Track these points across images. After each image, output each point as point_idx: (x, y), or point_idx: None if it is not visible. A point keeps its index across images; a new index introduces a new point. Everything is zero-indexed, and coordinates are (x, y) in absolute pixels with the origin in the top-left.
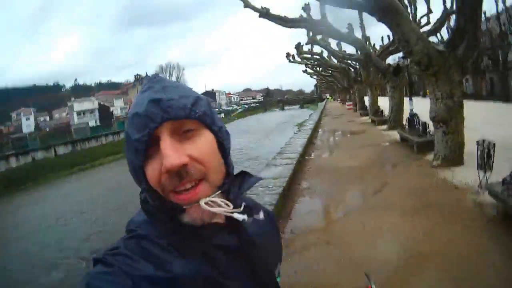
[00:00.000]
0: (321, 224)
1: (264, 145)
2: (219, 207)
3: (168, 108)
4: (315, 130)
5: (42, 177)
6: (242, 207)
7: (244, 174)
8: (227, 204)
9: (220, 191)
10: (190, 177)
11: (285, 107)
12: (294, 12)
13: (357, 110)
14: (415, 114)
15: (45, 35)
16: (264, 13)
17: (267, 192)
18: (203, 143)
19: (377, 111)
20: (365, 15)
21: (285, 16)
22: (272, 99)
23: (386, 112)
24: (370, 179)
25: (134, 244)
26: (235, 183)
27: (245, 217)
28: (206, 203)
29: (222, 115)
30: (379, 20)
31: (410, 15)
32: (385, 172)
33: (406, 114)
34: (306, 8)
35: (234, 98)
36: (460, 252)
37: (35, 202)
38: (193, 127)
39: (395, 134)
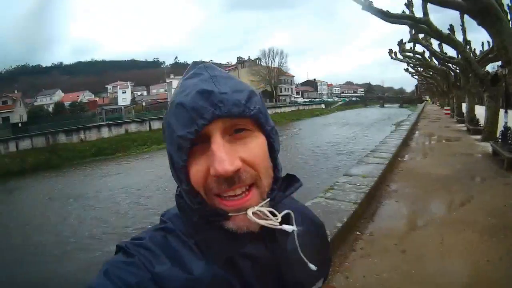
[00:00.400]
0: (401, 231)
1: (360, 141)
2: (265, 217)
3: (220, 103)
4: (411, 132)
5: (133, 149)
6: (279, 218)
7: (290, 177)
8: (273, 214)
9: (268, 199)
10: (242, 183)
11: (385, 105)
12: (397, 7)
13: (454, 116)
14: (509, 128)
15: (151, 13)
16: (367, 6)
17: (354, 190)
18: (256, 145)
19: (473, 120)
20: (467, 19)
21: (387, 11)
22: (373, 95)
23: (482, 122)
24: (457, 191)
25: (161, 237)
26: (280, 187)
27: (294, 227)
28: (253, 213)
29: (323, 105)
30: (479, 24)
31: (510, 22)
32: (472, 185)
33: (500, 126)
34: (408, 4)
35: (335, 89)
36: None
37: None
38: (245, 126)
39: (487, 146)
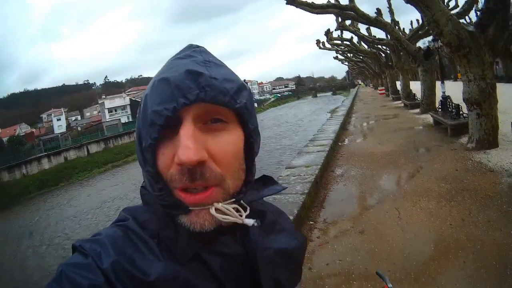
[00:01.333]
0: (355, 212)
1: (297, 133)
2: (229, 215)
3: (208, 87)
4: (348, 116)
5: (75, 176)
6: (247, 212)
7: (267, 179)
8: (238, 211)
9: (233, 199)
10: (204, 181)
11: (318, 95)
12: None
13: (389, 95)
14: (448, 97)
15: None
16: (291, 0)
17: (299, 181)
18: (229, 141)
19: (409, 95)
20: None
21: (312, 2)
22: (304, 87)
23: (419, 96)
24: (404, 164)
25: (120, 234)
26: (254, 187)
27: (254, 221)
28: (217, 209)
29: (255, 104)
30: (407, 2)
31: None
32: (419, 156)
33: (438, 98)
34: None
35: (266, 87)
36: (497, 239)
37: (68, 200)
38: (224, 118)
39: (428, 118)
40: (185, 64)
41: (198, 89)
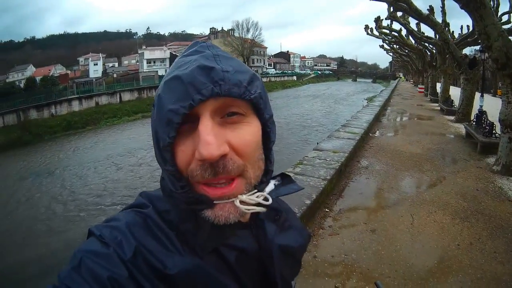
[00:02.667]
0: (370, 209)
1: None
2: (255, 206)
3: (221, 81)
4: (383, 108)
5: (104, 121)
6: (270, 201)
7: (284, 176)
8: (264, 198)
9: (256, 190)
10: (227, 174)
11: (358, 79)
12: None
13: (427, 95)
14: (484, 112)
15: None
16: None
17: (324, 165)
18: (249, 132)
19: (447, 100)
20: (448, 2)
21: None
22: (346, 69)
23: (456, 103)
24: (429, 171)
25: (140, 222)
26: (268, 182)
27: (263, 209)
28: (241, 202)
29: (295, 77)
30: (462, 7)
31: (492, 9)
32: (444, 166)
33: (474, 110)
34: None
35: (308, 62)
36: (499, 273)
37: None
38: (241, 110)
39: (461, 128)
40: (195, 60)
41: (212, 83)
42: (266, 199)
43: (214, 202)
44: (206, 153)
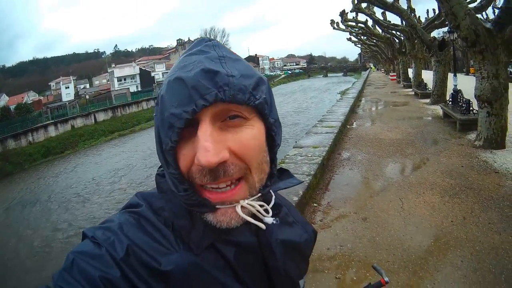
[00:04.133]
0: (359, 198)
1: (306, 111)
2: (254, 211)
3: (226, 86)
4: (357, 99)
5: (81, 144)
6: (270, 205)
7: (283, 171)
8: (264, 209)
9: (259, 194)
10: (228, 177)
11: (329, 74)
12: None
13: (400, 82)
14: (459, 91)
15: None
16: None
17: (306, 162)
18: (251, 136)
19: (421, 84)
20: None
21: None
22: (316, 66)
23: (430, 86)
24: (411, 154)
25: (133, 222)
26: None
27: (273, 219)
28: (242, 207)
29: None
30: None
31: None
32: (426, 148)
33: (449, 90)
34: None
35: (277, 63)
36: (496, 242)
37: (72, 168)
38: (244, 114)
39: (437, 109)
40: (200, 62)
41: (216, 89)
42: (267, 210)
43: (216, 206)
44: (204, 160)
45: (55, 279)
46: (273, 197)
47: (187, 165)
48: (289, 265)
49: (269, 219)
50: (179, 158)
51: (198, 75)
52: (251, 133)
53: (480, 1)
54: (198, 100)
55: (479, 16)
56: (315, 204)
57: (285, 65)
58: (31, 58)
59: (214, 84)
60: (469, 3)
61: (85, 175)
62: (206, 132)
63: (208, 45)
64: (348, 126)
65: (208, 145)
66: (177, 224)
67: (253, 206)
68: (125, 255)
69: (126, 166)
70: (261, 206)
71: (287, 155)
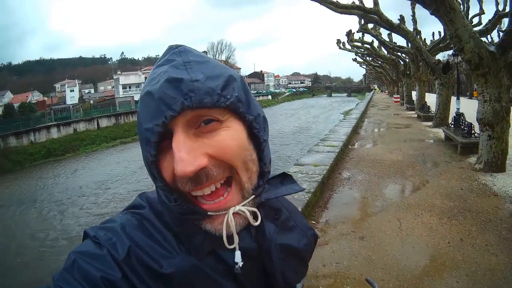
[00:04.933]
0: (357, 217)
1: (309, 130)
2: (246, 217)
3: (191, 92)
4: (360, 120)
5: (83, 148)
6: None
7: (285, 176)
8: (254, 214)
9: (252, 196)
10: (212, 180)
11: (333, 94)
12: None
13: (403, 104)
14: (462, 114)
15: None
16: None
17: (306, 179)
18: (228, 137)
19: (424, 107)
20: (419, 11)
21: (337, 1)
22: (320, 85)
23: (433, 109)
24: (411, 176)
25: (135, 223)
26: (272, 184)
27: (258, 222)
28: (235, 213)
29: (269, 96)
30: (432, 13)
31: (462, 13)
32: (426, 170)
33: (452, 113)
34: None
35: (282, 80)
36: (493, 264)
37: (71, 172)
38: (218, 117)
39: (439, 132)
40: (165, 72)
41: (181, 97)
42: (255, 216)
43: (209, 213)
44: (180, 170)
45: (56, 279)
46: (259, 216)
47: (171, 175)
48: (287, 270)
49: (255, 221)
50: (163, 170)
51: (163, 86)
52: (228, 135)
53: (485, 24)
54: (167, 111)
55: (483, 39)
56: (313, 222)
57: (289, 83)
58: (37, 58)
59: (179, 93)
60: (474, 26)
61: (75, 182)
62: (179, 143)
63: (175, 53)
64: (350, 146)
65: (182, 155)
66: (177, 230)
67: (244, 212)
68: (127, 256)
69: (116, 176)
70: (252, 212)
71: (288, 171)
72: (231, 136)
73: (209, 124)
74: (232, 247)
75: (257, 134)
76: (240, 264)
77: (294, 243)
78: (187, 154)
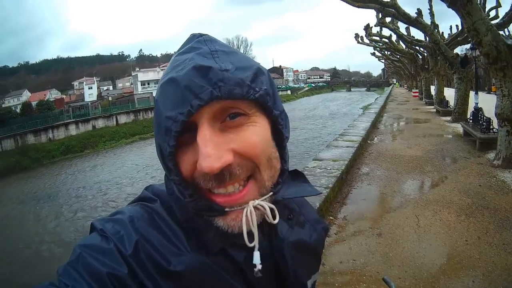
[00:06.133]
0: (375, 214)
1: (328, 126)
2: (264, 213)
3: (220, 82)
4: (379, 115)
5: (101, 144)
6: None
7: (297, 174)
8: (272, 210)
9: (271, 193)
10: (235, 179)
11: (352, 89)
12: None
13: (422, 98)
14: (480, 109)
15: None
16: None
17: (325, 174)
18: (254, 133)
19: (442, 101)
20: (436, 7)
21: None
22: (339, 80)
23: (451, 103)
24: (430, 172)
25: (146, 216)
26: (285, 181)
27: (276, 220)
28: (254, 207)
29: (289, 91)
30: (449, 6)
31: (479, 5)
32: (445, 166)
33: (470, 108)
34: None
35: (301, 75)
36: (509, 264)
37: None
38: (245, 111)
39: (458, 127)
40: (191, 59)
41: (210, 86)
42: (274, 214)
43: (226, 210)
44: (206, 167)
45: (60, 274)
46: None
47: (190, 170)
48: (299, 268)
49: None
50: (180, 164)
51: (189, 73)
52: (255, 131)
53: (502, 18)
54: (193, 100)
55: (501, 33)
56: (331, 217)
57: (308, 78)
58: (55, 57)
59: (208, 81)
60: (492, 19)
61: (75, 183)
62: (205, 137)
63: (200, 41)
64: (368, 141)
65: (209, 150)
66: (187, 227)
67: (263, 207)
68: (134, 251)
69: (122, 176)
70: (270, 208)
71: (306, 167)
72: (258, 132)
73: (236, 119)
74: (252, 245)
75: (281, 130)
76: (259, 266)
77: (306, 239)
78: (213, 150)
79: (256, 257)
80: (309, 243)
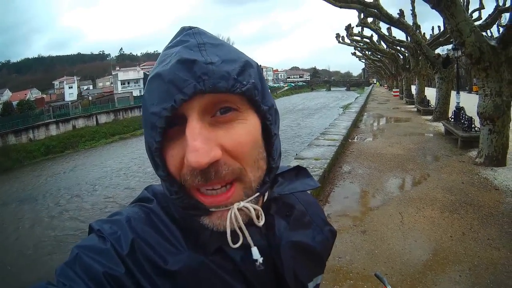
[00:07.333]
0: (358, 211)
1: (307, 125)
2: (248, 214)
3: (204, 75)
4: (360, 114)
5: (81, 145)
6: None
7: (300, 170)
8: (258, 212)
9: (257, 194)
10: (220, 179)
11: (332, 88)
12: None
13: (403, 98)
14: (462, 108)
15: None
16: None
17: None
18: (245, 131)
19: (423, 101)
20: (419, 7)
21: None
22: (319, 79)
23: (432, 103)
24: (412, 170)
25: (143, 216)
26: (286, 178)
27: (261, 223)
28: (239, 209)
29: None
30: (433, 7)
31: (463, 7)
32: (427, 164)
33: (451, 107)
34: None
35: (281, 75)
36: (495, 258)
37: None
38: (234, 105)
39: (439, 126)
40: (177, 53)
41: (194, 79)
42: (258, 215)
43: (210, 210)
44: (194, 161)
45: (57, 274)
46: (267, 191)
47: (177, 166)
48: (299, 269)
49: (260, 222)
50: (168, 159)
51: (174, 67)
52: (245, 128)
53: (485, 19)
54: (177, 94)
55: (483, 34)
56: None
57: (288, 77)
58: (35, 56)
59: (192, 75)
60: (474, 21)
61: (57, 184)
62: (194, 130)
63: (188, 34)
64: (350, 140)
65: (197, 144)
66: (184, 225)
67: (247, 209)
68: (130, 250)
69: (98, 178)
70: (256, 210)
71: (288, 166)
72: (248, 130)
73: (226, 114)
74: (236, 246)
75: (269, 126)
76: (261, 260)
77: (308, 240)
78: (202, 143)
79: (255, 253)
80: (311, 244)
